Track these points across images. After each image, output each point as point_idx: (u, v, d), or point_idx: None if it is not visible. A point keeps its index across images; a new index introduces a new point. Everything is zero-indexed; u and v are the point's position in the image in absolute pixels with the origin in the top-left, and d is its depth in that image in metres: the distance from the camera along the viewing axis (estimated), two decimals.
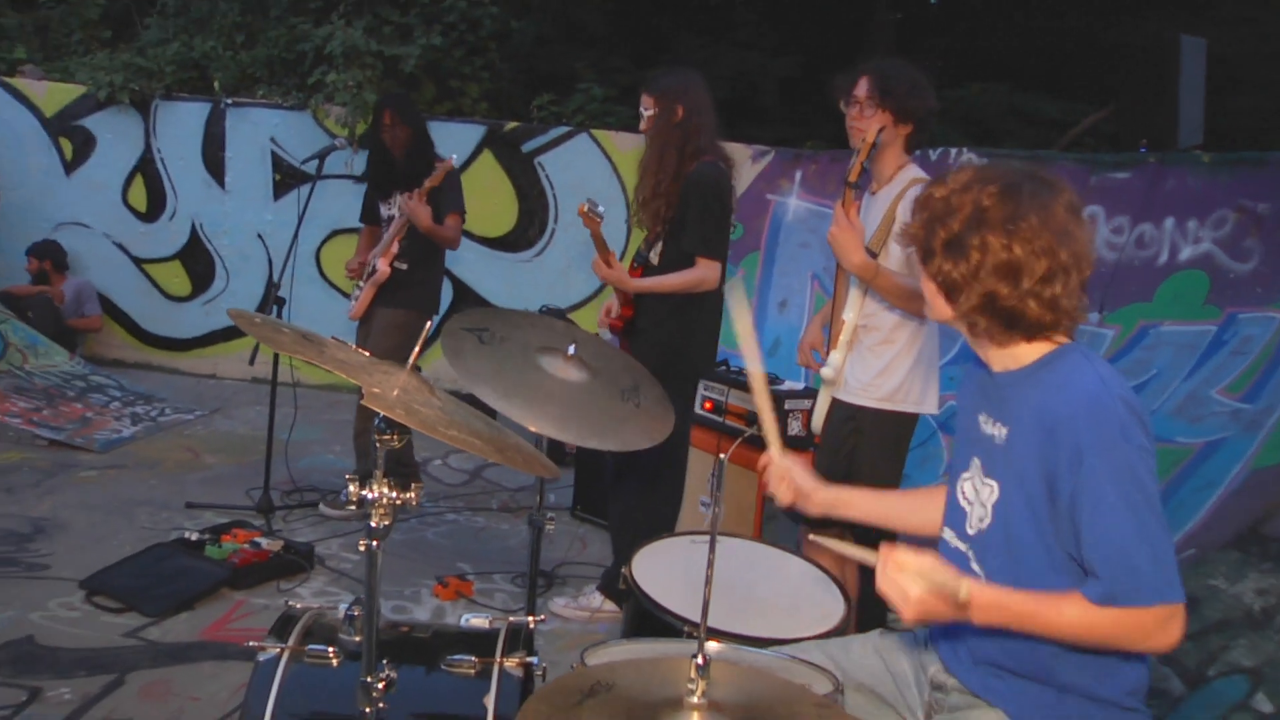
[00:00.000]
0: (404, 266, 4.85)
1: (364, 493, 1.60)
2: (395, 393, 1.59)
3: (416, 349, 1.74)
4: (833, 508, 2.25)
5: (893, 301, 3.23)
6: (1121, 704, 1.78)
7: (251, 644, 2.07)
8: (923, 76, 3.36)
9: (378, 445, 1.59)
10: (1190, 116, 5.94)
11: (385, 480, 1.60)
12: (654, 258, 3.96)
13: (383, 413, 1.52)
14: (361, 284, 4.92)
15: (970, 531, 1.90)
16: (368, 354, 1.84)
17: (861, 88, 3.25)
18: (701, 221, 3.79)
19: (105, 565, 4.05)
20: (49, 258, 7.61)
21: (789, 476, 2.22)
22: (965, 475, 1.94)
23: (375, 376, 1.61)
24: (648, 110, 3.88)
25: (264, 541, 4.29)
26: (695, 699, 1.40)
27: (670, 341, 3.88)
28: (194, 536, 4.27)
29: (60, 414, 6.15)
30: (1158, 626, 1.65)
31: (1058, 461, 1.71)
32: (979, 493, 1.89)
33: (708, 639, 2.06)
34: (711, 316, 3.99)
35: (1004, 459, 1.84)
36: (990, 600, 1.69)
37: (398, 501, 1.60)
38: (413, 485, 1.64)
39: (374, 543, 1.61)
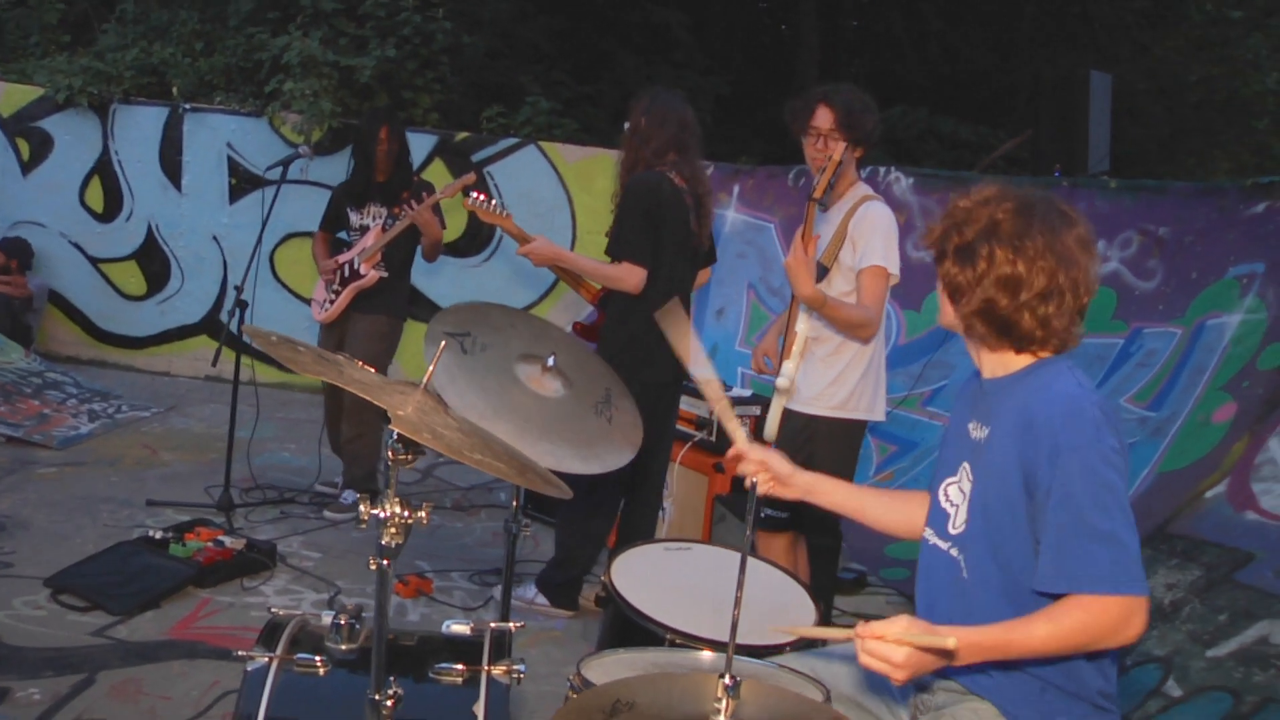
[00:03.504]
0: (385, 274, 4.77)
1: (375, 511, 1.52)
2: (411, 410, 1.52)
3: (431, 368, 1.67)
4: (809, 493, 2.21)
5: (839, 329, 3.26)
6: (1095, 702, 1.80)
7: (240, 653, 1.98)
8: (869, 98, 3.37)
9: (392, 464, 1.52)
10: (1099, 145, 6.09)
11: (398, 499, 1.53)
12: None
13: (411, 437, 1.45)
14: (337, 287, 4.79)
15: (953, 531, 1.91)
16: (373, 371, 1.76)
17: (823, 119, 3.24)
18: (619, 224, 3.75)
19: (69, 563, 3.87)
20: (16, 256, 7.30)
21: (765, 463, 2.17)
22: (951, 480, 1.95)
23: (392, 397, 1.54)
24: (627, 127, 3.84)
25: (227, 540, 4.15)
26: (722, 718, 1.34)
27: (622, 349, 3.73)
28: (158, 534, 4.10)
29: (17, 410, 5.89)
30: (1122, 618, 1.65)
31: (1036, 456, 1.72)
32: (964, 493, 1.89)
33: (698, 648, 2.04)
34: (659, 328, 3.85)
35: (985, 456, 1.85)
36: (969, 643, 1.67)
37: (409, 520, 1.53)
38: (424, 505, 1.57)
39: (385, 561, 1.54)
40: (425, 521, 1.56)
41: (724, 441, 4.36)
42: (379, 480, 5.08)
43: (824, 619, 3.25)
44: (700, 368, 2.20)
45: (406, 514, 1.53)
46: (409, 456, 1.53)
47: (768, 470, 2.18)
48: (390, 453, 1.52)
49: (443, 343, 1.72)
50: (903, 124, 9.84)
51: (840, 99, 3.24)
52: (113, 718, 2.97)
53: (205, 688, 3.16)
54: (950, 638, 1.61)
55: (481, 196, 3.82)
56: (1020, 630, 1.68)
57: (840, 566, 4.37)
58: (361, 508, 1.54)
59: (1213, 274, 5.00)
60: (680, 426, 4.51)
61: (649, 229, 3.70)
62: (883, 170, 6.73)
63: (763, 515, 3.43)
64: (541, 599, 4.03)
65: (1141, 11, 10.54)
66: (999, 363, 1.89)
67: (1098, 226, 5.61)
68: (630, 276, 3.69)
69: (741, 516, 3.95)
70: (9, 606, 3.61)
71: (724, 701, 1.34)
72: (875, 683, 2.02)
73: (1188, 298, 5.09)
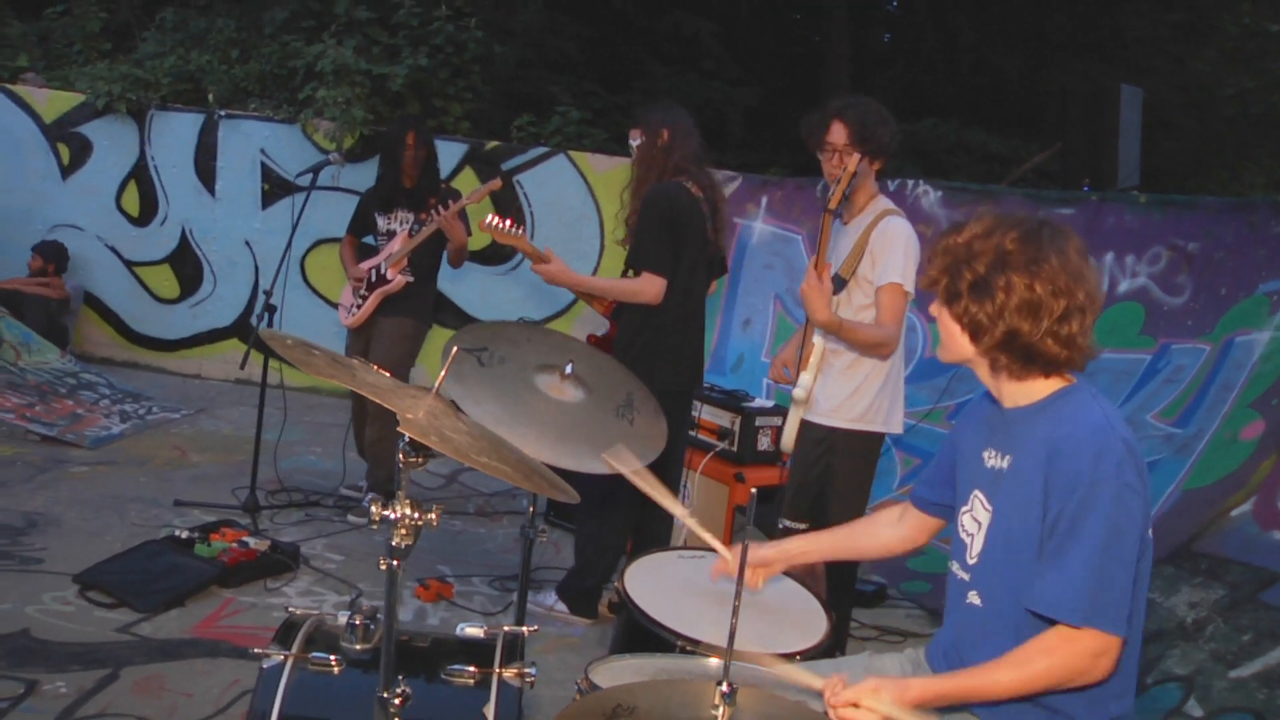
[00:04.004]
0: (411, 279, 4.82)
1: (387, 513, 1.55)
2: (421, 414, 1.55)
3: (442, 373, 1.70)
4: (791, 560, 2.36)
5: (859, 350, 3.27)
6: None
7: (256, 650, 2.01)
8: (885, 110, 3.37)
9: (403, 467, 1.55)
10: (1128, 159, 6.05)
11: (408, 501, 1.56)
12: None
13: (418, 439, 1.48)
14: (364, 292, 4.85)
15: (970, 560, 1.91)
16: (386, 372, 1.79)
17: (837, 134, 3.24)
18: (640, 236, 3.76)
19: (98, 560, 3.94)
20: (54, 259, 7.48)
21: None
22: (965, 509, 1.95)
23: (403, 400, 1.57)
24: (636, 140, 3.86)
25: (252, 541, 4.20)
26: None
27: (637, 358, 3.69)
28: (184, 534, 4.16)
29: (52, 410, 6.00)
30: (1090, 656, 1.68)
31: (1055, 484, 1.73)
32: (979, 522, 1.89)
33: (707, 654, 2.05)
34: (672, 331, 3.83)
35: (1007, 486, 1.85)
36: (934, 694, 1.72)
37: (419, 522, 1.56)
38: (435, 507, 1.60)
39: (394, 562, 1.56)
40: (435, 523, 1.59)
41: (745, 451, 4.39)
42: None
43: (836, 629, 3.26)
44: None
45: (417, 515, 1.56)
46: (419, 459, 1.56)
47: (751, 568, 2.31)
48: (401, 455, 1.55)
49: (454, 349, 1.74)
50: (933, 136, 9.81)
51: (853, 113, 3.24)
52: (135, 713, 3.02)
53: (225, 686, 3.21)
54: (910, 713, 1.66)
55: (496, 219, 3.87)
56: (983, 676, 1.73)
57: (860, 579, 4.36)
58: (373, 509, 1.57)
59: (1242, 290, 4.95)
60: (702, 436, 4.53)
61: (669, 239, 3.72)
62: (911, 183, 6.71)
63: (780, 526, 3.44)
64: (561, 606, 4.05)
65: (1175, 24, 10.44)
66: (1022, 391, 1.87)
67: (1127, 241, 5.60)
68: (651, 287, 3.71)
69: (760, 526, 3.96)
70: (39, 601, 3.68)
71: (720, 708, 1.35)
72: None
73: (1217, 314, 5.05)
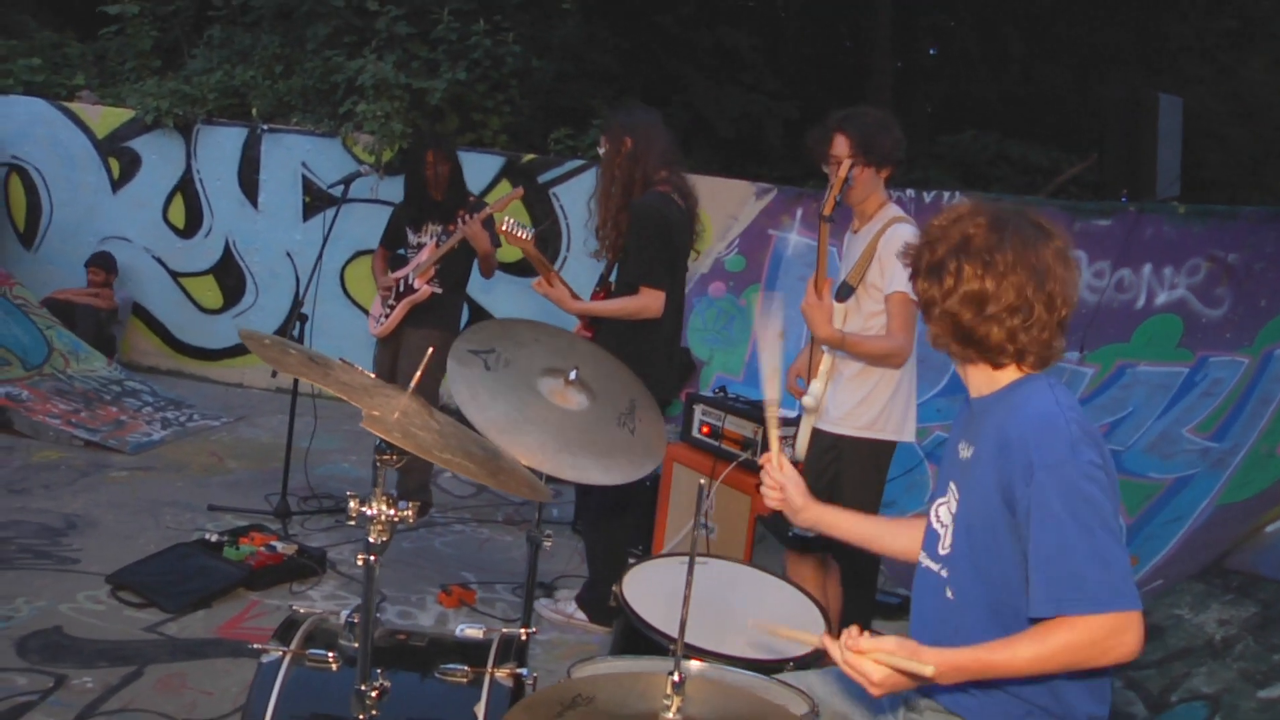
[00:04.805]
0: (439, 289, 4.90)
1: (363, 509, 1.60)
2: (396, 415, 1.60)
3: (418, 374, 1.74)
4: (818, 524, 2.23)
5: (866, 361, 3.26)
6: None
7: (255, 646, 2.07)
8: (887, 116, 3.37)
9: (378, 465, 1.59)
10: (1168, 169, 5.96)
11: (384, 498, 1.60)
12: (613, 282, 3.99)
13: (382, 436, 1.52)
14: (392, 302, 4.94)
15: (942, 551, 1.90)
16: (372, 375, 1.84)
17: (840, 147, 3.26)
18: (639, 251, 3.76)
19: (130, 562, 4.05)
20: (113, 270, 7.74)
21: (783, 486, 2.18)
22: (941, 500, 1.95)
23: (377, 399, 1.62)
24: (602, 148, 3.90)
25: (279, 545, 4.28)
26: (670, 715, 1.39)
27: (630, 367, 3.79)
28: (214, 538, 4.26)
29: (97, 416, 6.17)
30: (1111, 636, 1.61)
31: (1012, 475, 1.71)
32: (952, 514, 1.89)
33: (690, 658, 2.06)
34: (666, 342, 3.89)
35: (970, 475, 1.86)
36: (950, 665, 1.66)
37: (395, 519, 1.60)
38: (411, 505, 1.63)
39: (371, 557, 1.61)
40: (412, 520, 1.63)
41: None
42: (430, 492, 5.19)
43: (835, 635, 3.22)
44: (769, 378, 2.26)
45: (393, 513, 1.60)
46: (391, 457, 1.60)
47: (782, 494, 2.20)
48: (375, 454, 1.59)
49: (430, 349, 1.78)
50: (973, 148, 9.73)
51: (854, 124, 3.25)
52: (157, 709, 3.09)
53: (245, 685, 3.23)
54: (929, 666, 1.59)
55: (511, 220, 3.94)
56: (1004, 652, 1.66)
57: (884, 591, 4.33)
58: (351, 504, 1.61)
59: None
60: (725, 446, 4.54)
61: (663, 252, 3.76)
62: (947, 195, 6.68)
63: (790, 534, 3.43)
64: (580, 615, 4.08)
65: (1224, 32, 10.27)
66: (983, 381, 1.88)
67: (1165, 252, 5.52)
68: (654, 302, 3.76)
69: (778, 536, 3.95)
70: (73, 600, 3.79)
71: (672, 699, 1.38)
72: (866, 701, 2.02)
73: (1256, 326, 4.96)
